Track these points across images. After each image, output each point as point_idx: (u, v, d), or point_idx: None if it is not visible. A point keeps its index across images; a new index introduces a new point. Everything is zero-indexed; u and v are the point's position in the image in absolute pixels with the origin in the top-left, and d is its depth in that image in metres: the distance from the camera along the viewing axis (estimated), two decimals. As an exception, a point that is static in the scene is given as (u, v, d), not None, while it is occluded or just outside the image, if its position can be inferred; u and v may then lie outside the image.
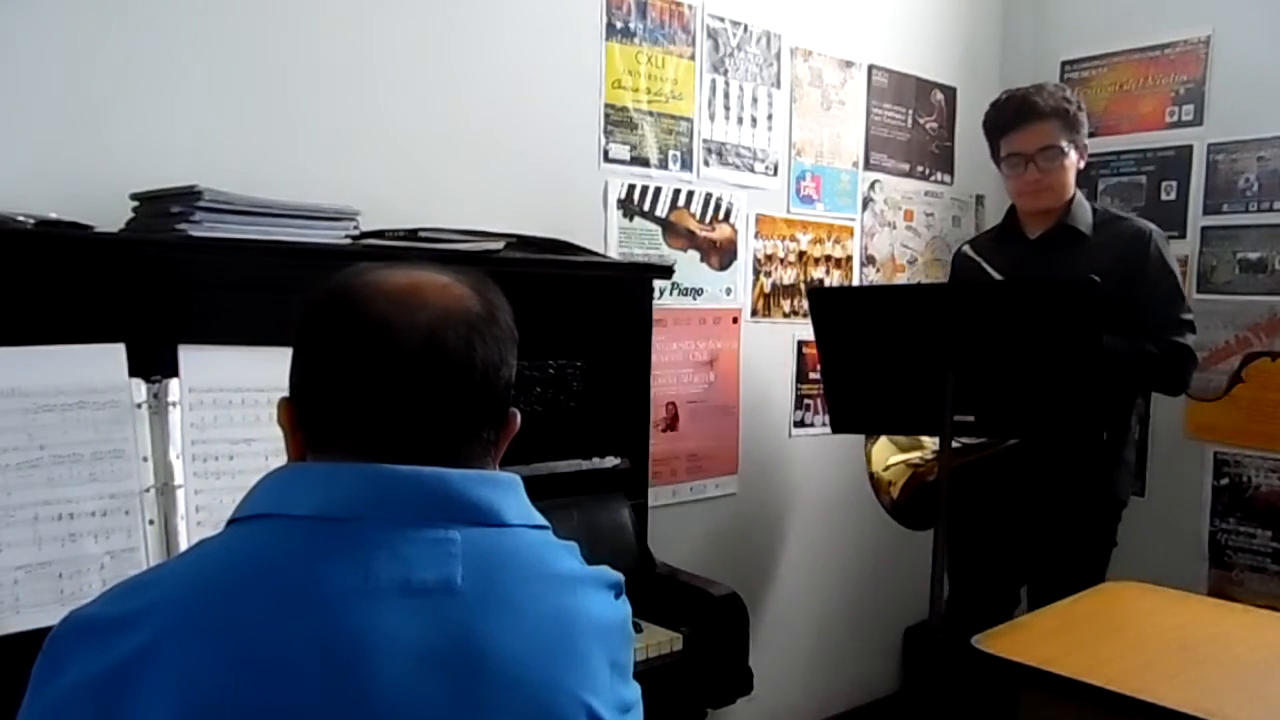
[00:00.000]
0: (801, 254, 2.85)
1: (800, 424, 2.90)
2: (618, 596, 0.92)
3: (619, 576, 0.92)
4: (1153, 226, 2.35)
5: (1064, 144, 2.30)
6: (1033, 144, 2.31)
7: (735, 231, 2.67)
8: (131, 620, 0.72)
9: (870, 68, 2.98)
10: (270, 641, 0.71)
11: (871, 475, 2.50)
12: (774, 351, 2.82)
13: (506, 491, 0.84)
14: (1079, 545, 2.35)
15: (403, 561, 0.76)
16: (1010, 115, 2.34)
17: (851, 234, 2.99)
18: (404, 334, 0.79)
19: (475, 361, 0.82)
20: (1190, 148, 2.95)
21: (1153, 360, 2.23)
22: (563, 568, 0.86)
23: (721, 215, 2.64)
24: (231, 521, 0.81)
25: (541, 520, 0.87)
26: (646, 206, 2.47)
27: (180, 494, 1.36)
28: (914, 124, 3.13)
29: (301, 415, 0.84)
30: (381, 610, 0.74)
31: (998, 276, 2.31)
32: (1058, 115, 2.30)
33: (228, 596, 0.73)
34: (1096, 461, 2.32)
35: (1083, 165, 2.39)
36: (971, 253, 2.45)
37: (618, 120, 2.40)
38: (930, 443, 2.36)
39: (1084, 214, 2.37)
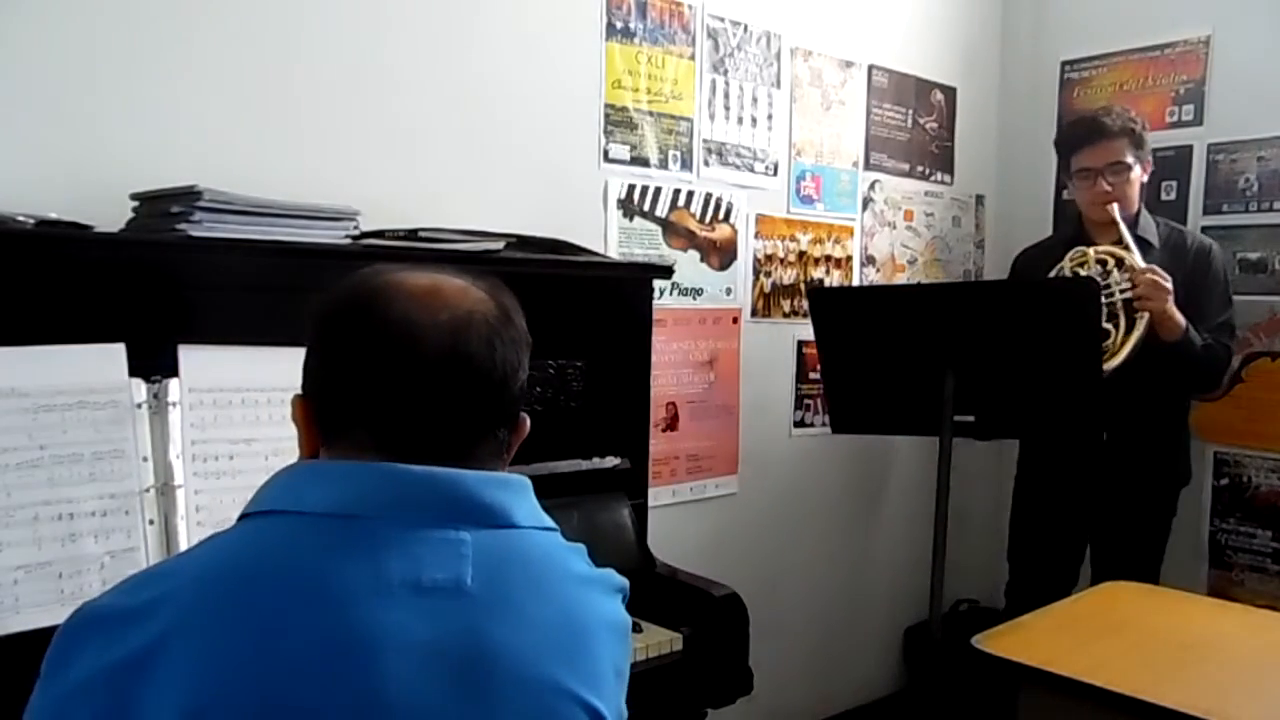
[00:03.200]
0: (801, 254, 2.85)
1: (800, 424, 2.90)
2: (623, 602, 0.92)
3: (625, 581, 0.93)
4: (1213, 242, 2.57)
5: (1130, 159, 2.47)
6: (1102, 159, 2.47)
7: (735, 231, 2.67)
8: (144, 612, 0.72)
9: (870, 68, 2.98)
10: (281, 637, 0.72)
11: None
12: (774, 351, 2.82)
13: (518, 493, 0.85)
14: (1146, 514, 2.55)
15: (414, 561, 0.77)
16: (1083, 133, 2.53)
17: (851, 234, 2.99)
18: (428, 335, 0.80)
19: (496, 363, 0.83)
20: (1190, 148, 2.95)
21: (1199, 355, 2.37)
22: (573, 569, 0.87)
23: (721, 215, 2.64)
24: (244, 516, 0.81)
25: (550, 522, 0.88)
26: (646, 206, 2.47)
27: (180, 494, 1.36)
28: (914, 124, 3.13)
29: (318, 412, 0.84)
30: (392, 609, 0.75)
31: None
32: (1126, 134, 2.48)
33: (240, 591, 0.74)
34: (1165, 449, 2.55)
35: (1146, 179, 2.56)
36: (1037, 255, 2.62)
37: (618, 120, 2.40)
38: None
39: (1151, 226, 2.53)
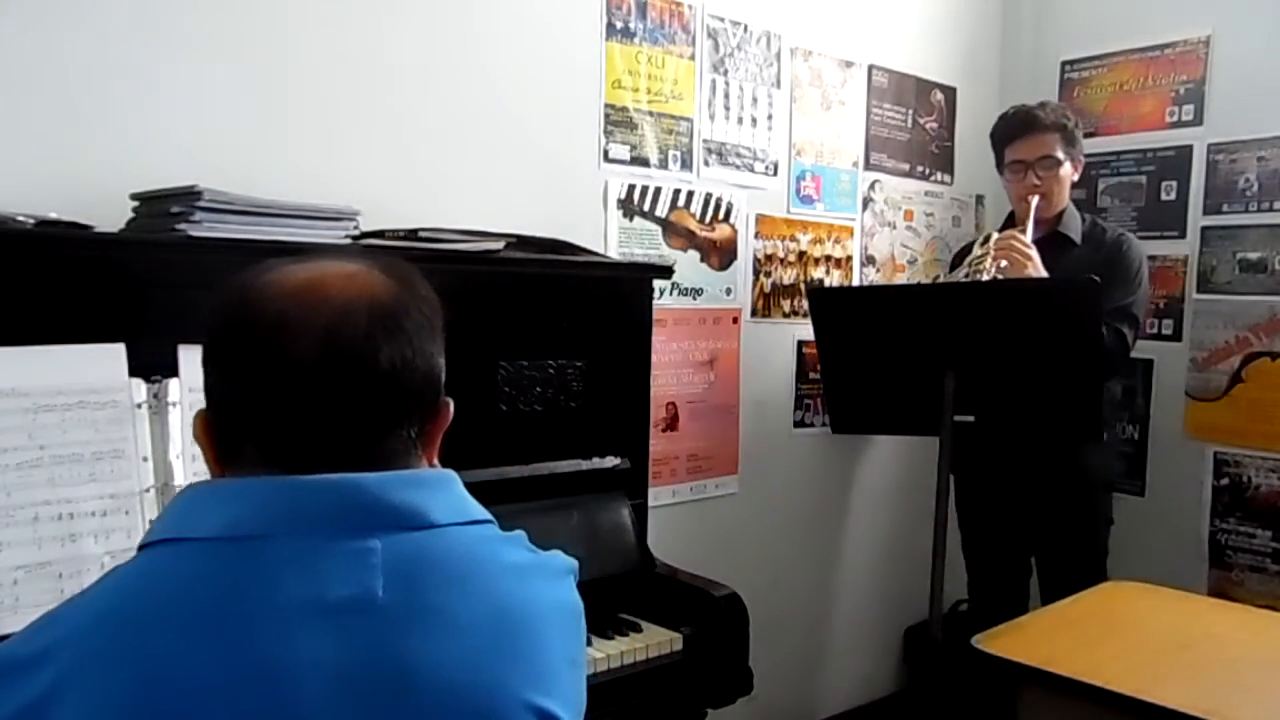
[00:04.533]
0: (801, 254, 2.85)
1: (800, 424, 2.90)
2: (574, 583, 0.87)
3: (572, 562, 0.88)
4: (1130, 235, 2.58)
5: (1061, 155, 2.48)
6: (1033, 153, 2.48)
7: (735, 231, 2.67)
8: (36, 661, 0.68)
9: (870, 68, 2.98)
10: (178, 674, 0.68)
11: None
12: (774, 351, 2.82)
13: (434, 490, 0.79)
14: (1073, 526, 2.48)
15: (316, 578, 0.71)
16: (1015, 126, 2.54)
17: (851, 234, 2.99)
18: (299, 337, 0.74)
19: (379, 358, 0.76)
20: (1190, 148, 2.95)
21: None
22: (505, 560, 0.81)
23: (721, 215, 2.64)
24: (142, 547, 0.76)
25: (481, 514, 0.82)
26: (646, 206, 2.47)
27: (180, 494, 1.36)
28: (914, 124, 3.13)
29: (215, 430, 0.79)
30: (295, 632, 0.70)
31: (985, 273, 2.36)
32: (1058, 129, 2.49)
33: (134, 629, 0.69)
34: (1073, 446, 2.43)
35: (1077, 178, 2.59)
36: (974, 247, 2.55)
37: (618, 120, 2.40)
38: None
39: (1075, 223, 2.55)
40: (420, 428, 0.81)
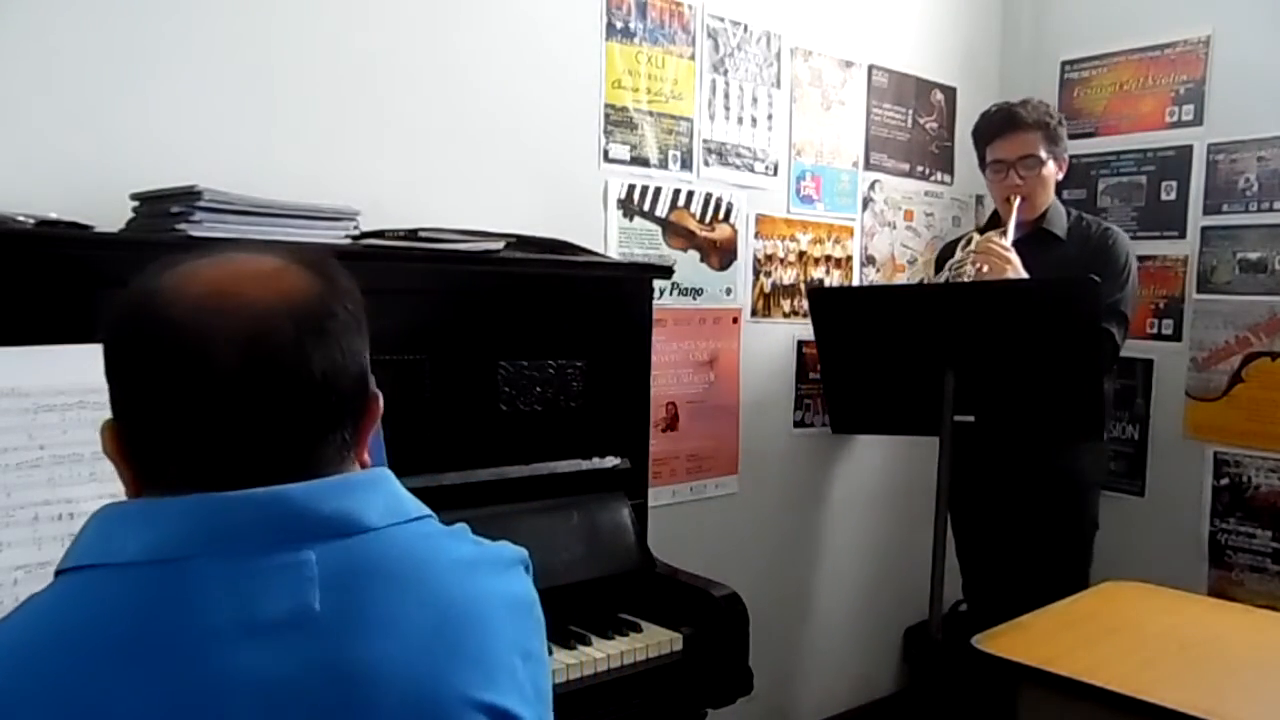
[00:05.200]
0: (801, 254, 2.85)
1: (800, 424, 2.90)
2: (526, 573, 0.84)
3: (521, 552, 0.85)
4: (1118, 229, 2.53)
5: (1043, 154, 2.45)
6: (1014, 152, 2.46)
7: (735, 231, 2.67)
8: None
9: (870, 68, 2.98)
10: (103, 707, 0.64)
11: None
12: (774, 351, 2.82)
13: (366, 493, 0.75)
14: (1055, 528, 2.43)
15: (244, 598, 0.67)
16: (997, 125, 2.51)
17: (851, 234, 2.99)
18: (220, 347, 0.69)
19: (311, 367, 0.71)
20: (1190, 148, 2.95)
21: None
22: (449, 556, 0.78)
23: (721, 215, 2.64)
24: (59, 573, 0.72)
25: (419, 510, 0.79)
26: (646, 206, 2.47)
27: (180, 494, 1.36)
28: (914, 124, 3.13)
29: (127, 444, 0.74)
30: (226, 656, 0.66)
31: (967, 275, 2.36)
32: (1040, 127, 2.46)
33: (55, 663, 0.65)
34: (1062, 444, 2.39)
35: (1061, 177, 2.55)
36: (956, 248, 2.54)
37: (618, 120, 2.40)
38: None
39: (1059, 219, 2.52)
40: (353, 429, 0.77)
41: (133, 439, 0.73)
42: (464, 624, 0.75)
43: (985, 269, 2.29)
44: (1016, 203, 2.41)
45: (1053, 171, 2.49)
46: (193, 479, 0.70)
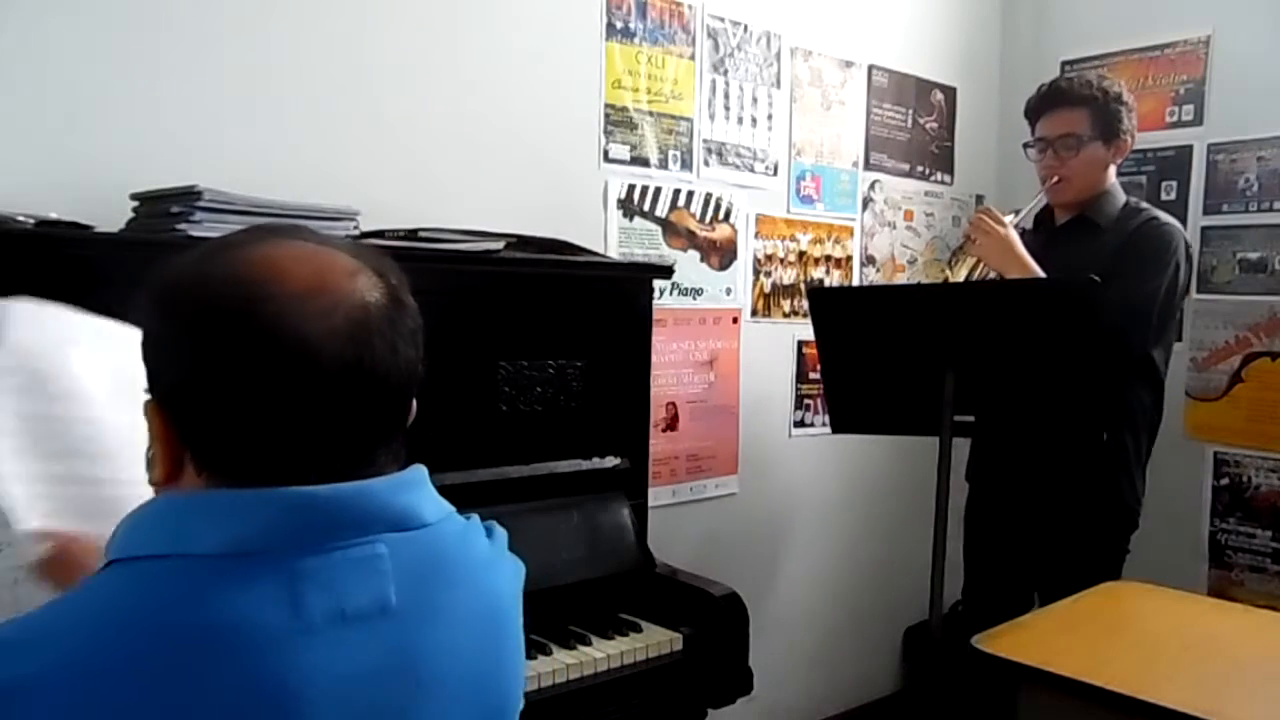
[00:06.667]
0: (801, 254, 2.85)
1: (800, 424, 2.90)
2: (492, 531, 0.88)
3: (491, 523, 0.88)
4: (1169, 226, 2.23)
5: (1088, 132, 2.23)
6: (1055, 130, 2.27)
7: (735, 231, 2.67)
8: (12, 693, 0.61)
9: (870, 68, 2.98)
10: (189, 705, 0.63)
11: None
12: (774, 351, 2.82)
13: (421, 488, 0.79)
14: (1089, 551, 2.31)
15: (334, 589, 0.69)
16: (1042, 100, 2.32)
17: (851, 234, 2.99)
18: (326, 345, 0.70)
19: (402, 367, 0.75)
20: (1190, 148, 2.95)
21: None
22: (478, 554, 0.83)
23: (721, 215, 2.64)
24: (115, 561, 0.70)
25: (448, 506, 0.82)
26: (646, 206, 2.47)
27: (180, 494, 1.36)
28: (914, 124, 3.13)
29: (188, 430, 0.72)
30: (316, 647, 0.68)
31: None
32: (1087, 103, 2.23)
33: (129, 661, 0.63)
34: (1103, 467, 2.27)
35: (1119, 162, 2.32)
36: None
37: (618, 120, 2.40)
38: None
39: (1108, 207, 2.29)
40: (403, 428, 0.80)
41: (197, 427, 0.72)
42: (501, 619, 0.82)
43: (976, 240, 2.23)
44: (1049, 184, 2.27)
45: (1101, 154, 2.25)
46: (271, 472, 0.71)
